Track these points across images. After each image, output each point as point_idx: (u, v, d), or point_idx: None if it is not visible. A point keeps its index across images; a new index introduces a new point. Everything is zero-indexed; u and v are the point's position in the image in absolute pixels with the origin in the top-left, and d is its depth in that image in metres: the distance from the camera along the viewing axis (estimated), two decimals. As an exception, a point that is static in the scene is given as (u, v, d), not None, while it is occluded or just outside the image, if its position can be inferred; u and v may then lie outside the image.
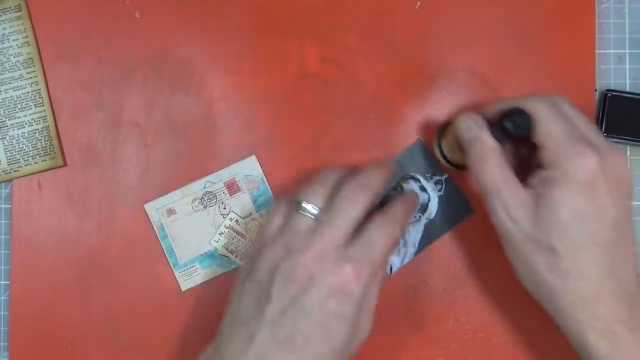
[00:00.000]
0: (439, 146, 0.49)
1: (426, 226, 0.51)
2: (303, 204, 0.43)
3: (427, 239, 0.51)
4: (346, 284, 0.41)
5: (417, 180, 0.51)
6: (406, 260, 0.51)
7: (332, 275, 0.41)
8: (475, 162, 0.44)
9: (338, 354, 0.42)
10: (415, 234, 0.50)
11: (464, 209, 0.50)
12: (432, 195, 0.51)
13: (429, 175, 0.51)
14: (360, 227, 0.43)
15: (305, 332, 0.41)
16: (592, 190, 0.41)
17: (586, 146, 0.41)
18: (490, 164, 0.43)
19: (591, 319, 0.41)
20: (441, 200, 0.51)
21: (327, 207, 0.43)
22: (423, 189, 0.51)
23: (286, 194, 0.47)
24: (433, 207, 0.51)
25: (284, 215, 0.45)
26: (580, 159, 0.41)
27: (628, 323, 0.41)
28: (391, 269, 0.51)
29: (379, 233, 0.43)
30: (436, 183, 0.51)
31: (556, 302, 0.42)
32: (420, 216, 0.51)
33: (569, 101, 0.44)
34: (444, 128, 0.49)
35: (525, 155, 0.45)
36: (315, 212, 0.43)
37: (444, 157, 0.49)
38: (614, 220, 0.41)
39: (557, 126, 0.42)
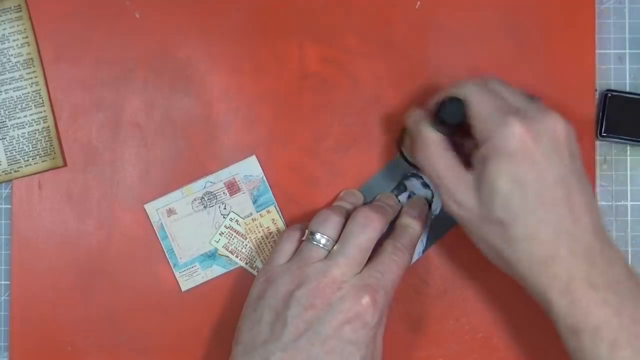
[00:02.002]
0: (402, 152, 0.50)
1: (432, 222, 0.51)
2: (317, 236, 0.45)
3: (434, 235, 0.51)
4: (364, 311, 0.43)
5: (420, 177, 0.51)
6: (415, 259, 0.51)
7: (350, 303, 0.43)
8: (419, 155, 0.44)
9: None
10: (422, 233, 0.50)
11: None
12: (435, 192, 0.51)
13: None
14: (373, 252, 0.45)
15: (320, 357, 0.42)
16: (525, 156, 0.40)
17: (511, 115, 0.41)
18: (431, 153, 0.44)
19: (550, 279, 0.41)
20: None
21: (341, 235, 0.45)
22: (426, 185, 0.51)
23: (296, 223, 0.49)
24: (437, 204, 0.51)
25: (295, 243, 0.46)
26: (505, 128, 0.41)
27: (587, 279, 0.40)
28: None
29: (391, 262, 0.45)
30: None
31: (516, 270, 0.42)
32: None
33: (500, 80, 0.44)
34: (403, 133, 0.49)
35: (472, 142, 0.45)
36: (328, 243, 0.45)
37: (407, 160, 0.50)
38: (558, 179, 0.41)
39: (484, 104, 0.42)
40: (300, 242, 0.46)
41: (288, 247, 0.46)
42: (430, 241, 0.51)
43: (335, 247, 0.45)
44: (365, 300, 0.43)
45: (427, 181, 0.51)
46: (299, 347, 0.42)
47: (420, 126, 0.44)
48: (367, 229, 0.45)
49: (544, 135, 0.41)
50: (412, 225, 0.48)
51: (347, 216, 0.47)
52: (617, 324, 0.40)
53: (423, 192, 0.51)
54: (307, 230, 0.46)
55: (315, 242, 0.45)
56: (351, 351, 0.42)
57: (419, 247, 0.50)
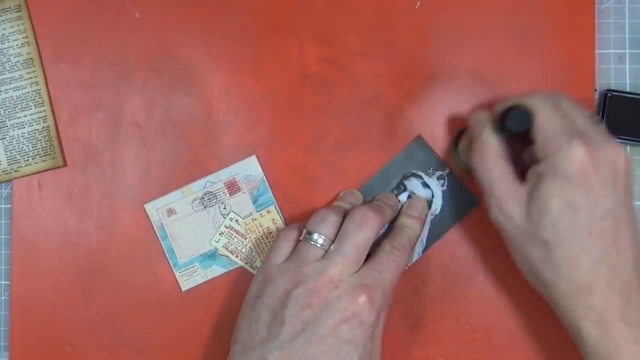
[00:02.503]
0: (456, 151, 0.50)
1: (432, 222, 0.51)
2: (315, 235, 0.45)
3: (434, 234, 0.51)
4: (360, 310, 0.43)
5: (419, 177, 0.51)
6: (415, 258, 0.51)
7: (347, 302, 0.43)
8: (475, 159, 0.45)
9: None
10: (422, 232, 0.50)
11: (468, 202, 0.50)
12: (435, 191, 0.51)
13: (430, 171, 0.51)
14: (370, 252, 0.45)
15: (316, 356, 0.42)
16: (582, 182, 0.41)
17: (576, 138, 0.41)
18: (488, 159, 0.44)
19: (586, 309, 0.41)
20: (445, 195, 0.51)
21: (338, 234, 0.45)
22: (426, 185, 0.51)
23: (294, 222, 0.48)
24: (437, 203, 0.51)
25: (292, 243, 0.46)
26: (568, 150, 0.41)
27: (623, 314, 0.41)
28: None
29: (389, 261, 0.45)
30: (438, 178, 0.51)
31: (553, 293, 0.42)
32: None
33: (569, 97, 0.44)
34: (460, 133, 0.49)
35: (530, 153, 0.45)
36: (325, 243, 0.45)
37: (463, 163, 0.49)
38: (608, 211, 0.41)
39: (550, 120, 0.42)
40: (298, 241, 0.46)
41: (285, 246, 0.46)
42: (430, 241, 0.51)
43: (332, 247, 0.45)
44: (362, 299, 0.43)
45: (427, 181, 0.51)
46: (296, 347, 0.42)
47: (482, 129, 0.44)
48: (363, 227, 0.45)
49: (605, 164, 0.41)
50: (411, 225, 0.48)
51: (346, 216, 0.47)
52: None
53: (423, 192, 0.51)
54: (304, 230, 0.46)
55: (312, 242, 0.45)
56: (348, 350, 0.42)
57: (419, 247, 0.50)
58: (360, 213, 0.45)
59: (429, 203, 0.51)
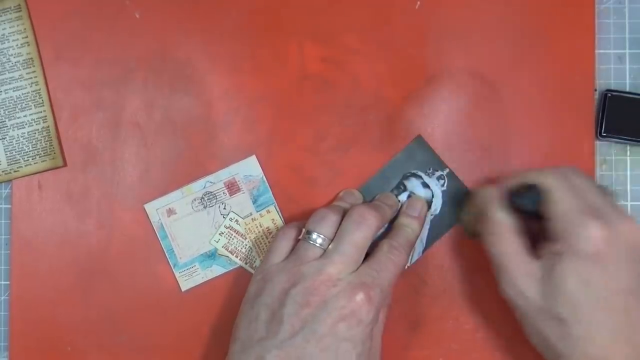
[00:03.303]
0: (464, 214, 0.50)
1: (432, 222, 0.51)
2: (314, 235, 0.45)
3: (433, 234, 0.51)
4: (358, 308, 0.43)
5: (419, 177, 0.51)
6: (415, 258, 0.51)
7: (345, 300, 0.43)
8: (486, 235, 0.45)
9: None
10: (422, 231, 0.50)
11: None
12: (435, 191, 0.51)
13: (430, 171, 0.51)
14: (369, 252, 0.45)
15: (315, 355, 0.42)
16: (598, 259, 0.41)
17: (591, 217, 0.41)
18: (499, 237, 0.44)
19: None
20: (445, 195, 0.51)
21: (337, 233, 0.45)
22: (426, 185, 0.51)
23: (292, 222, 0.48)
24: (437, 203, 0.51)
25: (291, 242, 0.47)
26: (584, 230, 0.41)
27: None
28: None
29: (387, 261, 0.45)
30: (438, 178, 0.51)
31: None
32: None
33: (580, 172, 0.45)
34: (466, 197, 0.50)
35: (541, 228, 0.45)
36: (324, 242, 0.45)
37: (468, 226, 0.49)
38: (625, 287, 0.41)
39: (564, 199, 0.43)
40: (297, 240, 0.46)
41: (284, 245, 0.47)
42: (430, 241, 0.51)
43: (331, 246, 0.45)
44: (360, 297, 0.43)
45: (427, 181, 0.51)
46: (295, 345, 0.42)
47: (492, 206, 0.45)
48: (362, 226, 0.45)
49: (620, 241, 0.41)
50: (410, 224, 0.48)
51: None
52: None
53: (423, 192, 0.51)
54: (303, 229, 0.46)
55: (311, 242, 0.45)
56: (347, 348, 0.42)
57: (419, 247, 0.50)
58: (359, 212, 0.45)
59: (429, 203, 0.51)
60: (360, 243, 0.45)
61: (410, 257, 0.50)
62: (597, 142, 0.51)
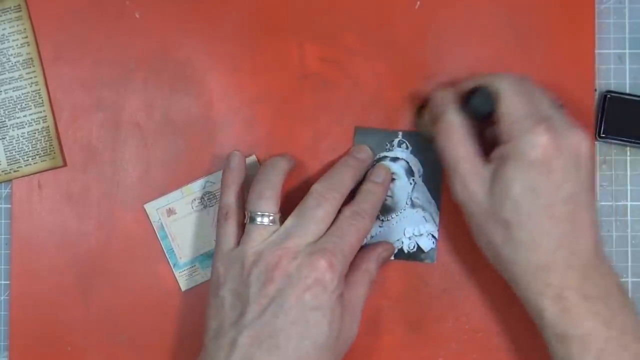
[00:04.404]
0: (419, 123, 0.50)
1: (424, 181, 0.50)
2: (258, 218, 0.45)
3: (434, 188, 0.50)
4: (321, 275, 0.42)
5: (384, 157, 0.50)
6: (437, 221, 0.50)
7: (307, 270, 0.42)
8: (439, 137, 0.45)
9: (323, 350, 0.43)
10: (423, 194, 0.50)
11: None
12: (406, 158, 0.50)
13: (388, 146, 0.50)
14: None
15: (285, 329, 0.42)
16: (545, 167, 0.41)
17: (541, 124, 0.42)
18: (452, 138, 0.44)
19: (544, 286, 0.42)
20: (415, 152, 0.50)
21: (296, 208, 0.45)
22: (394, 159, 0.50)
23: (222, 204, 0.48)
24: (416, 164, 0.50)
25: (237, 226, 0.46)
26: (532, 136, 0.41)
27: (580, 289, 0.42)
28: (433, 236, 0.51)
29: (349, 226, 0.45)
30: (399, 145, 0.50)
31: (512, 271, 0.43)
32: (413, 180, 0.50)
33: (532, 80, 0.45)
34: (422, 106, 0.49)
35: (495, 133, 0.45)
36: (271, 218, 0.45)
37: (426, 133, 0.49)
38: (570, 195, 0.42)
39: (516, 103, 0.43)
40: (242, 217, 0.46)
41: (230, 230, 0.46)
42: (437, 194, 0.50)
43: (289, 221, 0.45)
44: (321, 264, 0.42)
45: (392, 155, 0.50)
46: (264, 322, 0.42)
47: (446, 107, 0.45)
48: (323, 203, 0.45)
49: (567, 150, 0.42)
50: (374, 190, 0.48)
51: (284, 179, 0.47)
52: (605, 335, 0.41)
53: (396, 166, 0.50)
54: (247, 212, 0.45)
55: (258, 222, 0.45)
56: (316, 318, 0.42)
57: (432, 208, 0.50)
58: (319, 192, 0.45)
59: (410, 170, 0.50)
60: (321, 218, 0.44)
61: (433, 222, 0.50)
62: (597, 143, 0.51)
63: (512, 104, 0.43)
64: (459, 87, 0.46)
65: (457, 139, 0.44)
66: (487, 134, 0.45)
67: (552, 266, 0.42)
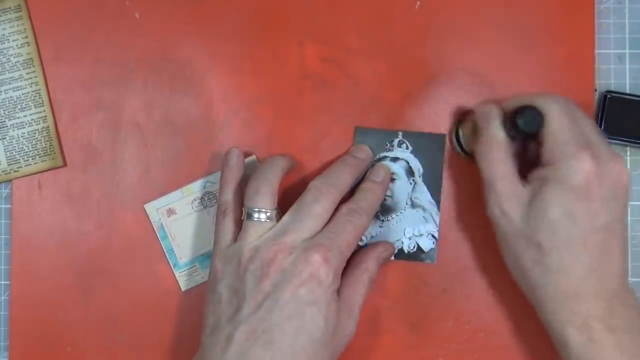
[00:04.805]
0: (457, 135, 0.50)
1: (424, 181, 0.50)
2: (255, 214, 0.45)
3: (434, 187, 0.51)
4: (315, 270, 0.42)
5: (385, 157, 0.51)
6: (438, 221, 0.50)
7: (302, 264, 0.42)
8: (480, 152, 0.45)
9: (318, 345, 0.42)
10: (423, 194, 0.50)
11: (437, 141, 0.50)
12: (405, 157, 0.50)
13: (388, 146, 0.50)
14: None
15: (281, 324, 0.42)
16: (585, 194, 0.41)
17: (585, 150, 0.41)
18: (493, 155, 0.44)
19: (571, 314, 0.42)
20: (415, 152, 0.50)
21: (294, 205, 0.45)
22: (394, 159, 0.51)
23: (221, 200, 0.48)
24: (416, 164, 0.51)
25: (231, 221, 0.46)
26: (576, 161, 0.41)
27: (606, 321, 0.41)
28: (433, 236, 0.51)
29: (345, 223, 0.45)
30: (399, 145, 0.50)
31: (539, 296, 0.43)
32: (413, 180, 0.50)
33: (577, 105, 0.45)
34: (463, 116, 0.49)
35: (537, 154, 0.45)
36: (268, 214, 0.45)
37: (461, 146, 0.49)
38: (606, 224, 0.42)
39: (562, 126, 0.42)
40: (240, 213, 0.46)
41: (228, 227, 0.46)
42: (436, 196, 0.50)
43: (286, 217, 0.45)
44: (316, 258, 0.42)
45: (392, 155, 0.50)
46: (259, 317, 0.42)
47: (491, 122, 0.44)
48: (320, 199, 0.44)
49: (609, 179, 0.42)
50: (372, 189, 0.48)
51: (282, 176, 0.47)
52: None
53: (396, 167, 0.50)
54: (244, 208, 0.46)
55: (255, 219, 0.45)
56: (312, 312, 0.42)
57: (433, 210, 0.50)
58: (316, 189, 0.45)
59: (410, 170, 0.50)
60: (318, 213, 0.44)
61: (434, 223, 0.50)
62: (597, 142, 0.51)
63: (559, 126, 0.42)
64: (504, 104, 0.46)
65: (497, 154, 0.44)
66: (526, 154, 0.45)
67: (581, 294, 0.42)
